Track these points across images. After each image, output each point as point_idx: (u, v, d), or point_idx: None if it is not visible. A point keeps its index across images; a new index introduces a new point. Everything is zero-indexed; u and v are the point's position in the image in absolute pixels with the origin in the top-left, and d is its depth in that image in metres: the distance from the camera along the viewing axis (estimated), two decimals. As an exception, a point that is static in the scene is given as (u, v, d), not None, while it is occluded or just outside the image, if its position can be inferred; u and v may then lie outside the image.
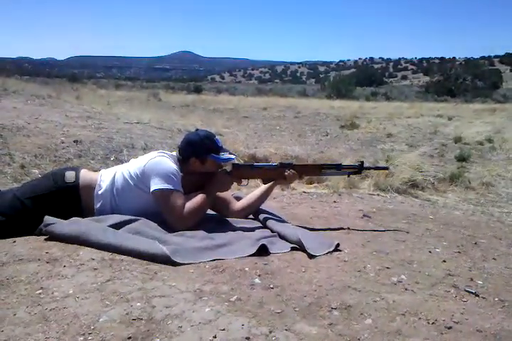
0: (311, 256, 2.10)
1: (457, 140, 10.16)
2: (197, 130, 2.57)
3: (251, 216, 2.72)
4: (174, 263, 1.91)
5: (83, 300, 1.55)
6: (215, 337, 1.36)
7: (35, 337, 1.31)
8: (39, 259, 1.87)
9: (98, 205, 2.35)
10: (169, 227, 2.26)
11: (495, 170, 6.68)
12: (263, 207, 2.74)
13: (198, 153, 2.45)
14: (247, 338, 1.36)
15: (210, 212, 2.60)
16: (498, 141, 10.00)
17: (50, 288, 1.63)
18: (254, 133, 10.67)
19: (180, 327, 1.40)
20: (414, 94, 37.99)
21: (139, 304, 1.53)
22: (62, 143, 5.21)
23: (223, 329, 1.40)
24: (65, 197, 2.29)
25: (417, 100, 28.83)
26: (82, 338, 1.32)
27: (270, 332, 1.41)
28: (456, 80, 36.09)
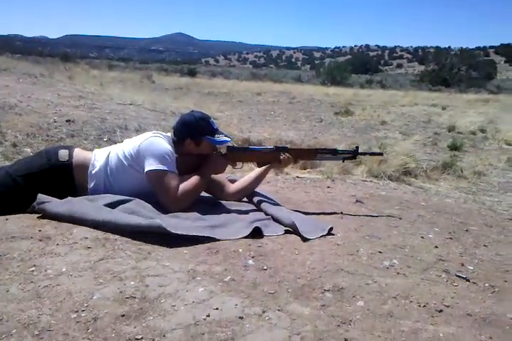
0: (304, 239, 2.11)
1: (450, 129, 10.20)
2: (192, 111, 2.54)
3: (245, 199, 2.71)
4: (167, 233, 1.89)
5: (76, 278, 1.54)
6: (208, 315, 1.36)
7: (28, 314, 1.31)
8: (32, 237, 1.86)
9: (92, 185, 2.33)
10: (163, 208, 2.25)
11: (487, 159, 6.73)
12: (257, 190, 2.74)
13: (193, 135, 2.43)
14: (241, 317, 1.37)
15: (204, 194, 2.59)
16: (491, 131, 10.06)
17: (43, 265, 1.62)
18: (248, 118, 10.63)
19: (174, 305, 1.41)
20: (409, 82, 37.99)
21: (132, 283, 1.53)
22: (55, 122, 5.16)
23: (216, 309, 1.41)
24: (58, 176, 2.27)
25: (412, 89, 28.85)
26: (75, 315, 1.32)
27: (263, 312, 1.42)
28: (450, 70, 36.07)
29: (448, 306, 1.56)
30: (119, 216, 2.02)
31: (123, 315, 1.33)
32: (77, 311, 1.34)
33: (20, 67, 11.75)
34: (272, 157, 2.61)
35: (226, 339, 1.25)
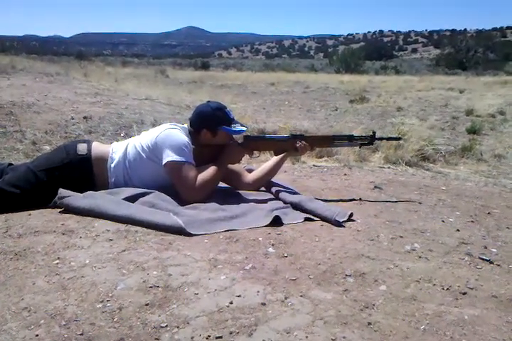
0: (331, 222, 2.11)
1: (468, 113, 10.02)
2: (208, 102, 2.55)
3: (262, 188, 2.72)
4: (188, 234, 1.92)
5: (100, 269, 1.57)
6: (231, 303, 1.37)
7: (54, 305, 1.34)
8: (55, 231, 1.89)
9: (112, 179, 2.36)
10: (182, 199, 2.27)
11: (507, 142, 6.60)
12: (274, 179, 2.74)
13: (210, 125, 2.44)
14: (263, 304, 1.38)
15: (221, 184, 2.60)
16: (510, 113, 9.86)
17: (67, 258, 1.65)
18: (263, 109, 10.60)
19: (197, 294, 1.42)
20: (425, 67, 37.38)
21: (155, 272, 1.55)
22: (72, 119, 5.22)
23: (239, 296, 1.42)
24: (78, 169, 2.30)
25: (428, 73, 28.35)
26: (100, 305, 1.34)
27: (285, 298, 1.42)
28: (467, 53, 35.36)
29: (472, 288, 1.55)
30: (139, 211, 2.04)
31: (147, 304, 1.35)
32: (102, 301, 1.36)
33: (36, 67, 11.87)
34: (289, 145, 2.60)
35: (250, 325, 1.26)
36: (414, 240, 2.00)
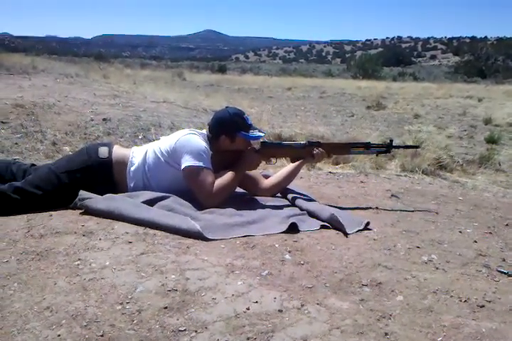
0: (344, 233, 2.11)
1: (487, 121, 9.93)
2: (227, 107, 2.57)
3: (278, 194, 2.73)
4: (205, 239, 1.94)
5: (119, 271, 1.60)
6: (248, 308, 1.39)
7: (75, 305, 1.36)
8: (75, 232, 1.93)
9: (132, 183, 2.40)
10: (199, 204, 2.29)
11: (526, 152, 6.52)
12: (290, 186, 2.75)
13: (228, 131, 2.46)
14: (280, 310, 1.39)
15: (238, 190, 2.62)
16: (530, 123, 9.75)
17: (88, 259, 1.68)
18: (279, 114, 10.61)
19: (214, 298, 1.44)
20: (443, 74, 37.10)
21: (173, 276, 1.57)
22: (92, 120, 5.28)
23: (256, 302, 1.43)
24: (99, 172, 2.34)
25: (446, 81, 28.14)
26: (120, 307, 1.37)
27: (302, 305, 1.43)
28: (486, 60, 35.03)
29: (490, 301, 1.54)
30: (158, 215, 2.07)
31: (166, 307, 1.37)
32: (121, 303, 1.39)
33: (57, 68, 12.09)
34: (305, 152, 2.62)
35: (267, 331, 1.27)
36: (431, 251, 2.00)
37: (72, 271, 1.58)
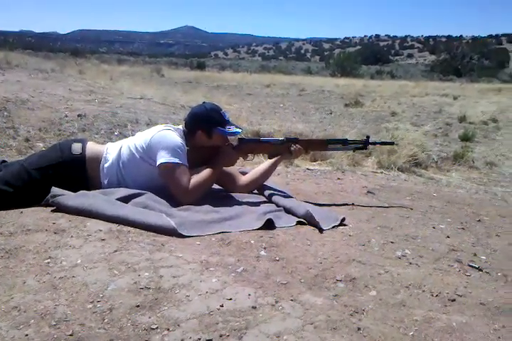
0: (319, 229, 2.12)
1: (462, 119, 10.09)
2: (203, 103, 2.55)
3: (255, 191, 2.72)
4: (181, 236, 1.92)
5: (91, 269, 1.57)
6: (222, 305, 1.38)
7: (45, 304, 1.33)
8: (46, 230, 1.89)
9: (106, 180, 2.36)
10: (175, 201, 2.27)
11: (499, 149, 6.66)
12: (267, 183, 2.75)
13: (205, 126, 2.44)
14: (254, 307, 1.38)
15: (215, 186, 2.61)
16: (503, 120, 9.95)
17: (59, 257, 1.65)
18: (258, 111, 10.60)
19: (188, 296, 1.42)
20: (420, 73, 37.62)
21: (146, 274, 1.55)
22: (66, 116, 5.20)
23: (230, 299, 1.42)
24: (72, 169, 2.30)
25: (423, 79, 28.52)
26: (91, 305, 1.34)
27: (276, 301, 1.43)
28: (462, 59, 35.65)
29: (461, 295, 1.56)
30: (132, 212, 2.04)
31: (138, 306, 1.35)
32: (92, 302, 1.36)
33: (31, 63, 11.85)
34: (283, 148, 2.62)
35: (240, 328, 1.27)
36: (405, 246, 2.02)
37: (42, 270, 1.55)
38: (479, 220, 2.64)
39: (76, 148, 2.35)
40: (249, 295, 1.46)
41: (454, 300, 1.52)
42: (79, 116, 5.33)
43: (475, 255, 1.99)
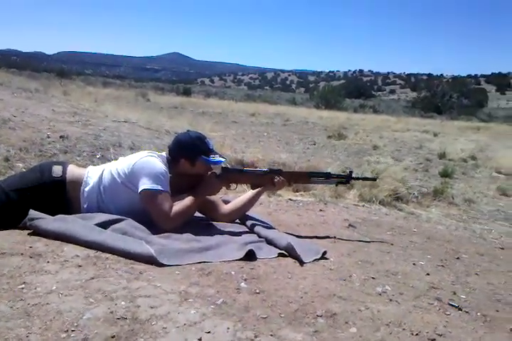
0: (300, 262, 2.10)
1: (441, 156, 10.29)
2: (188, 131, 2.56)
3: (237, 220, 2.71)
4: (160, 264, 1.89)
5: (67, 296, 1.52)
6: (200, 339, 1.34)
7: (17, 332, 1.28)
8: (22, 254, 1.84)
9: (85, 204, 2.32)
10: (155, 228, 2.24)
11: (477, 187, 6.78)
12: (250, 212, 2.74)
13: (188, 154, 2.44)
14: (233, 342, 1.35)
15: (197, 214, 2.58)
16: (481, 158, 10.17)
17: (33, 283, 1.60)
18: (242, 139, 10.66)
19: (165, 328, 1.39)
20: (402, 108, 38.49)
21: (123, 303, 1.51)
22: (48, 137, 5.13)
23: (208, 332, 1.39)
24: (51, 192, 2.26)
25: (404, 115, 29.15)
26: (64, 335, 1.30)
27: (255, 336, 1.40)
28: (442, 97, 36.63)
29: (440, 335, 1.55)
30: (111, 238, 2.01)
31: (113, 336, 1.31)
32: (67, 331, 1.31)
33: (15, 82, 11.78)
34: (266, 179, 2.62)
35: (217, 364, 1.23)
36: (385, 282, 2.01)
37: (16, 295, 1.50)
38: (458, 258, 2.66)
39: (57, 170, 2.32)
40: (228, 328, 1.43)
41: (433, 340, 1.51)
42: (61, 137, 5.27)
43: (454, 293, 1.99)
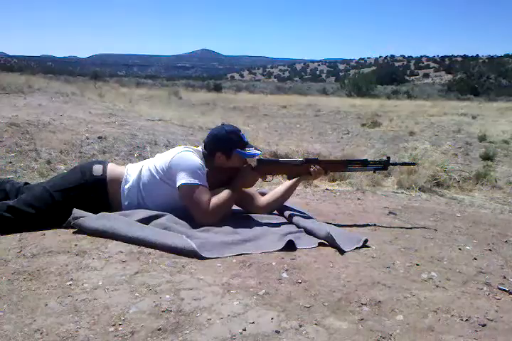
0: (340, 252, 2.08)
1: (482, 138, 9.98)
2: (223, 124, 2.56)
3: (275, 212, 2.70)
4: (201, 257, 1.91)
5: (113, 291, 1.55)
6: (244, 329, 1.35)
7: (66, 327, 1.32)
8: (68, 251, 1.89)
9: (126, 201, 2.37)
10: (195, 222, 2.26)
11: (522, 168, 6.55)
12: (287, 203, 2.72)
13: (224, 148, 2.44)
14: (277, 331, 1.35)
15: (234, 207, 2.59)
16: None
17: (80, 279, 1.64)
18: (275, 131, 10.66)
19: (210, 319, 1.40)
20: (437, 92, 37.44)
21: (167, 296, 1.53)
22: (87, 139, 5.27)
23: (252, 323, 1.39)
24: (93, 190, 2.31)
25: (440, 99, 28.38)
26: (112, 328, 1.33)
27: (300, 326, 1.39)
28: (479, 78, 35.44)
29: (492, 320, 1.50)
30: (153, 233, 2.04)
31: (159, 329, 1.33)
32: (114, 325, 1.34)
33: (52, 87, 12.12)
34: (302, 169, 2.60)
35: (264, 353, 1.23)
36: (431, 268, 1.96)
37: (64, 292, 1.54)
38: (506, 241, 2.57)
39: (97, 169, 2.37)
40: (272, 318, 1.43)
41: (484, 325, 1.46)
42: (99, 138, 5.40)
43: (504, 278, 1.92)
